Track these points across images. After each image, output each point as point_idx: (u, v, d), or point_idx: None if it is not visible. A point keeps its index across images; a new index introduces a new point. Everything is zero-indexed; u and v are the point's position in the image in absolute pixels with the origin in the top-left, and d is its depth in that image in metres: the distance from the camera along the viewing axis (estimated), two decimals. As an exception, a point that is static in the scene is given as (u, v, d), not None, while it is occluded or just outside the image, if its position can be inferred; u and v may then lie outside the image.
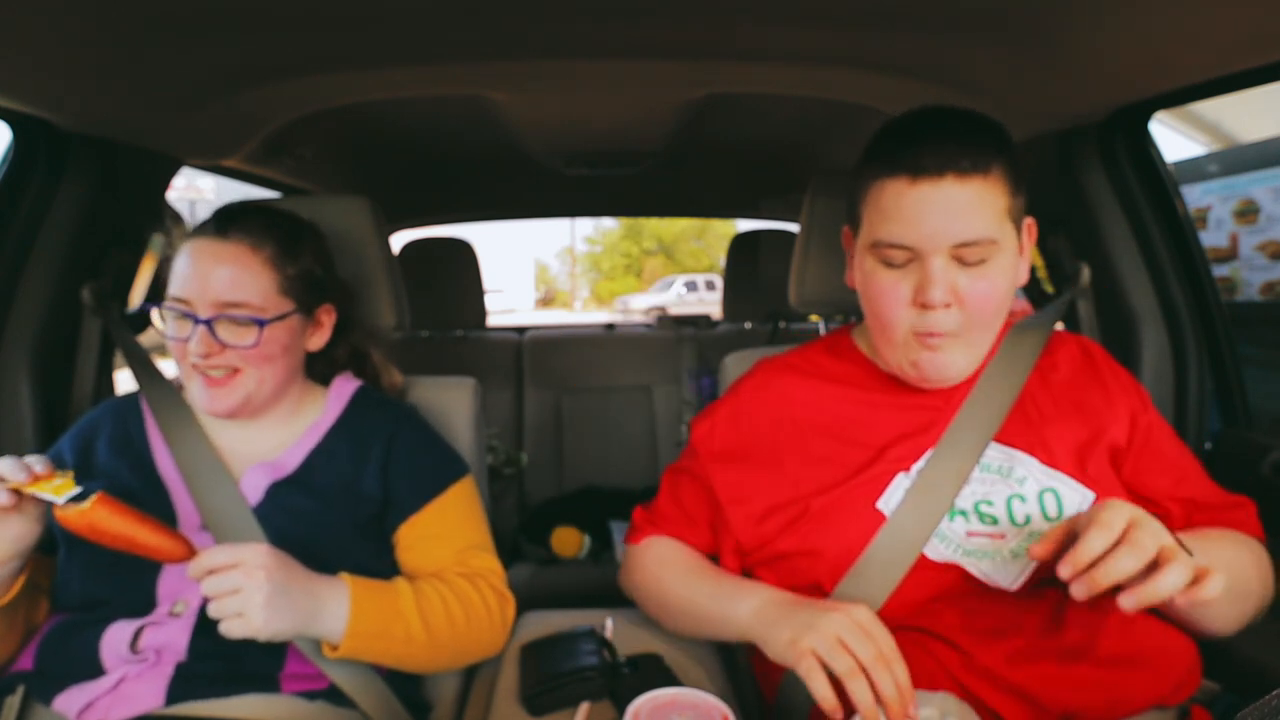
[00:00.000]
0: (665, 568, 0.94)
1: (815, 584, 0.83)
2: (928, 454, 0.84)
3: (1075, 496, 0.81)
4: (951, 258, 0.76)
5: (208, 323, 0.86)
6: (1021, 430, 0.85)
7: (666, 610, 0.93)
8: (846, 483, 0.84)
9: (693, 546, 0.96)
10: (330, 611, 0.78)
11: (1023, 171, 0.81)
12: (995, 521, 0.81)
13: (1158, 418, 0.89)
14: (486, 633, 0.92)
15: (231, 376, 0.88)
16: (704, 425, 0.97)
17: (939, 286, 0.75)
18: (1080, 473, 0.82)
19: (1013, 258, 0.80)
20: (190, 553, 0.73)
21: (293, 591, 0.75)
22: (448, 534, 0.95)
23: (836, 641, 0.69)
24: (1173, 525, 0.83)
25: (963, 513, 0.82)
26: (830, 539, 0.82)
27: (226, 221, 0.90)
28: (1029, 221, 0.84)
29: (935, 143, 0.75)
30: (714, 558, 0.95)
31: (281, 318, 0.90)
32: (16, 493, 0.72)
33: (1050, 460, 0.83)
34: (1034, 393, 0.87)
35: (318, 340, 0.98)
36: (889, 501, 0.82)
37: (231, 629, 0.72)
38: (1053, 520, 0.80)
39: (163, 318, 0.89)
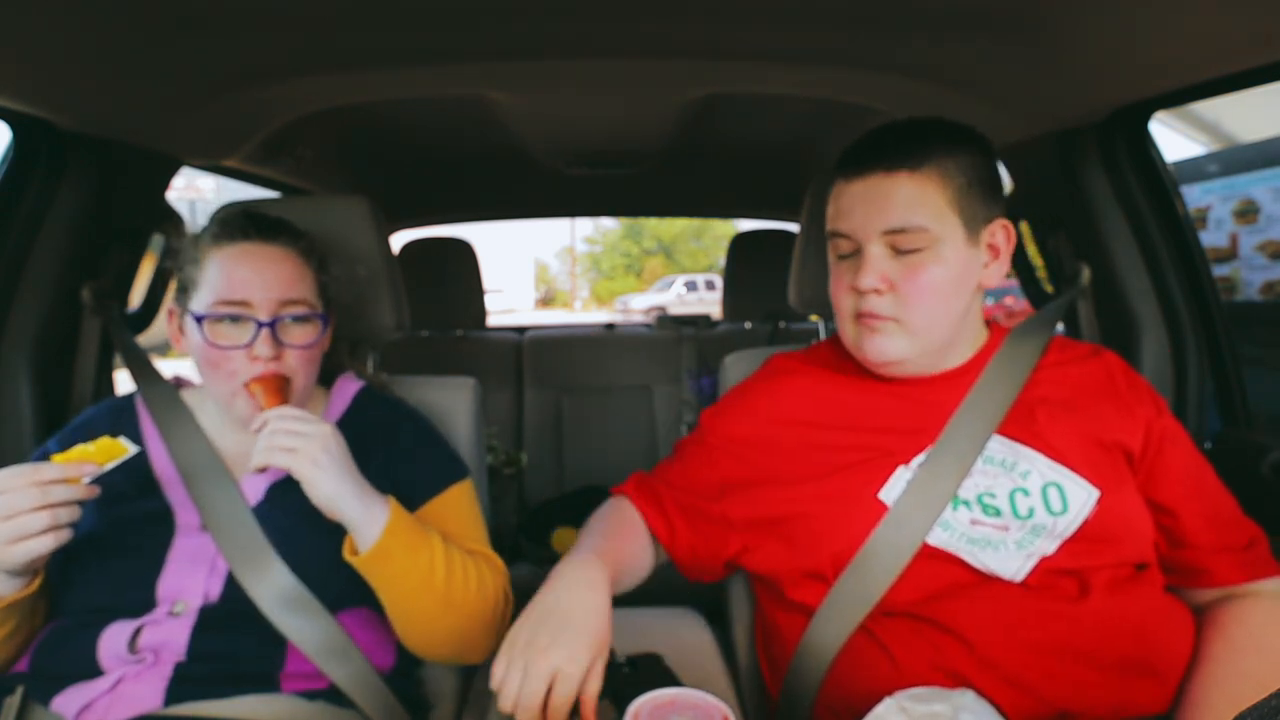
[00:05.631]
0: (592, 520, 0.94)
1: (818, 573, 0.84)
2: (929, 449, 0.84)
3: (1080, 493, 0.81)
4: (887, 246, 0.82)
5: (271, 324, 0.86)
6: (1027, 426, 0.85)
7: None
8: (845, 471, 0.85)
9: (648, 517, 0.94)
10: (372, 512, 0.80)
11: (984, 174, 0.84)
12: (998, 513, 0.81)
13: (1174, 426, 0.88)
14: (491, 614, 0.88)
15: (286, 384, 0.88)
16: (714, 412, 1.00)
17: (870, 272, 0.82)
18: (1087, 470, 0.82)
19: (958, 252, 0.82)
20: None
21: (346, 471, 0.80)
22: (444, 535, 0.94)
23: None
24: (1184, 535, 0.84)
25: (966, 503, 0.82)
26: (832, 529, 0.83)
27: (267, 227, 0.91)
28: (1003, 224, 0.86)
29: (868, 145, 0.84)
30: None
31: (327, 317, 0.93)
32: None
33: (1056, 456, 0.83)
34: (1043, 393, 0.88)
35: (326, 342, 0.99)
36: (890, 493, 0.83)
37: (283, 460, 0.77)
38: (1056, 514, 0.80)
39: (199, 328, 0.86)
